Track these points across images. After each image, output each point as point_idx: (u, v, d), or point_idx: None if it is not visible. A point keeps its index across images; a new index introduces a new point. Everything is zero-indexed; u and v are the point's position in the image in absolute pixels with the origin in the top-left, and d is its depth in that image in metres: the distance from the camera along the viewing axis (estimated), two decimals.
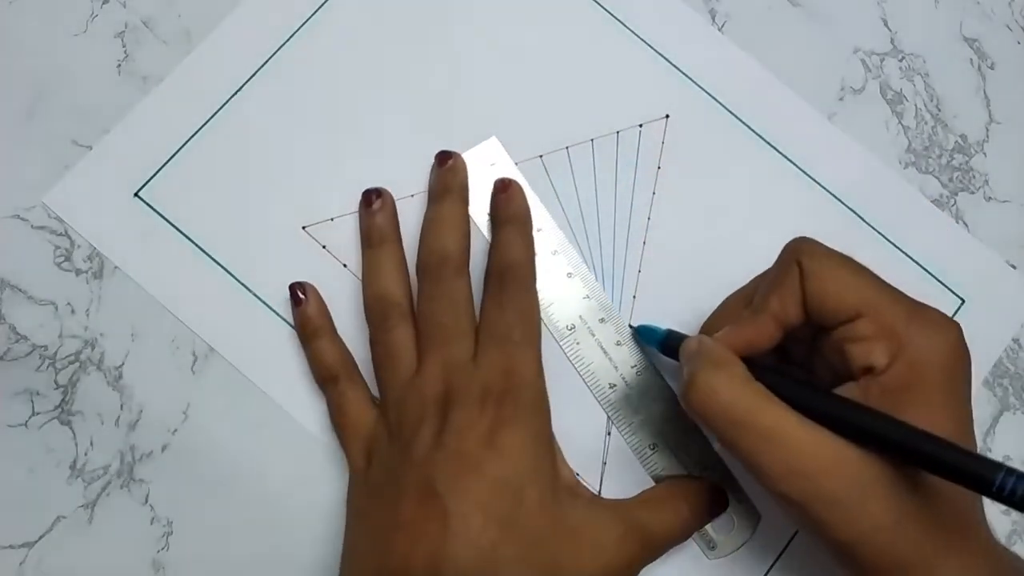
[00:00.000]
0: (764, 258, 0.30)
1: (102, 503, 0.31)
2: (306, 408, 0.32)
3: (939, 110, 0.38)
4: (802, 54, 0.37)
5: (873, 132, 0.37)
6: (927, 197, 0.37)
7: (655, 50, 0.37)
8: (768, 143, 0.36)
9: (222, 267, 0.33)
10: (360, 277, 0.33)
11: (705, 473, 0.32)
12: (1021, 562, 0.26)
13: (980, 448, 0.35)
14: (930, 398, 0.25)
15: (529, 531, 0.27)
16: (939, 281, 0.35)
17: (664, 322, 0.33)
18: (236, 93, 0.34)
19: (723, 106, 0.36)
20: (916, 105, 0.37)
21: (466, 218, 0.33)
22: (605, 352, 0.33)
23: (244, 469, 0.32)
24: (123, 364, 0.32)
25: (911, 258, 0.35)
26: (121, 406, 0.32)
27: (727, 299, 0.31)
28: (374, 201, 0.33)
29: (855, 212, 0.35)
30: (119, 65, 0.34)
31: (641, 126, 0.35)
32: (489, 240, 0.33)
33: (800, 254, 0.27)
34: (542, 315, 0.33)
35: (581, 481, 0.32)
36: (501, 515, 0.27)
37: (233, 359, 0.32)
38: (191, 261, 0.33)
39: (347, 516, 0.31)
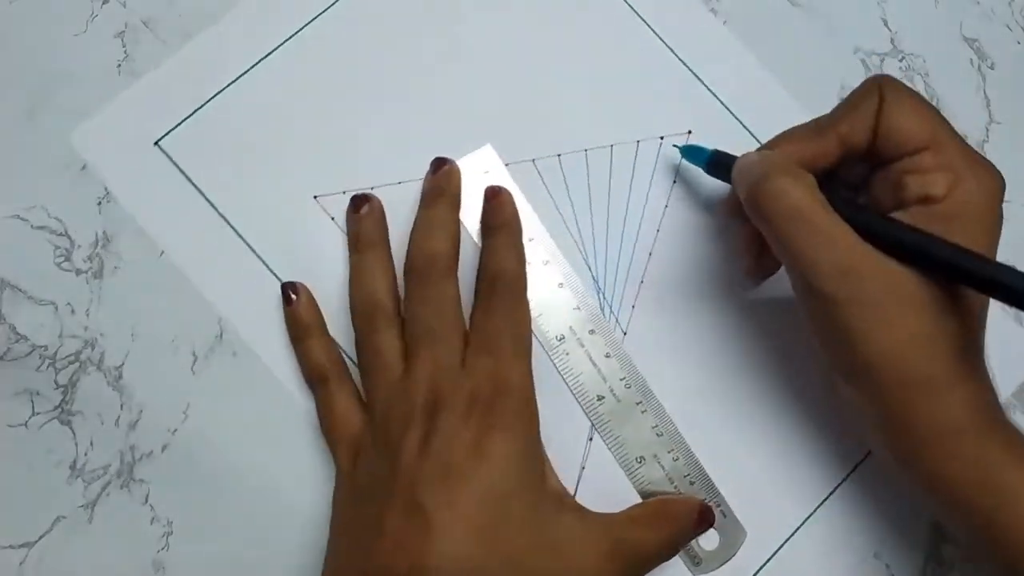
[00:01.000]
0: (773, 278, 0.32)
1: (102, 503, 0.31)
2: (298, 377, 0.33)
3: (939, 110, 0.37)
4: (802, 54, 0.37)
5: None
6: None
7: (682, 61, 0.36)
8: None
9: (231, 225, 0.33)
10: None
11: (692, 487, 0.32)
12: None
13: None
14: (974, 230, 0.27)
15: (513, 545, 0.27)
16: None
17: (661, 338, 0.33)
18: (264, 59, 0.35)
19: (745, 128, 0.36)
20: None
21: (456, 222, 0.33)
22: (594, 363, 0.33)
23: (244, 469, 0.32)
24: (123, 364, 0.32)
25: None
26: (121, 406, 0.32)
27: (788, 129, 0.32)
28: (362, 206, 0.33)
29: None
30: (119, 65, 0.34)
31: (662, 138, 0.35)
32: (478, 245, 0.33)
33: (884, 84, 0.29)
34: (532, 324, 0.33)
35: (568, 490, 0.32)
36: (485, 528, 0.27)
37: (232, 319, 0.33)
38: (201, 216, 0.33)
39: (332, 518, 0.31)
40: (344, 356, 0.33)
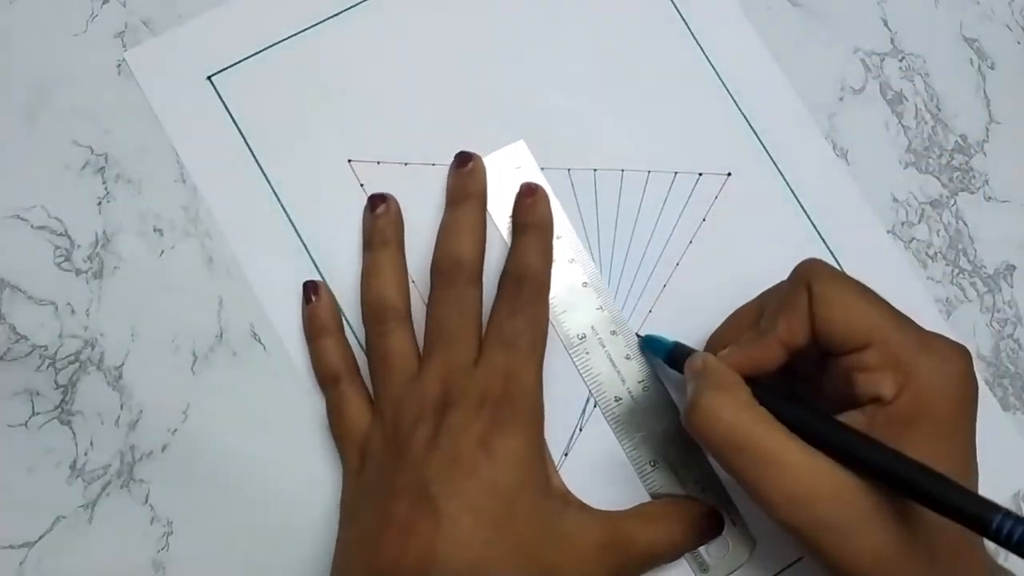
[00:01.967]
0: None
1: (102, 503, 0.31)
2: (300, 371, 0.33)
3: (939, 110, 0.38)
4: (802, 54, 0.37)
5: (873, 132, 0.37)
6: (927, 197, 0.37)
7: (734, 100, 0.36)
8: (821, 238, 0.35)
9: (263, 172, 0.34)
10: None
11: (704, 494, 0.32)
12: None
13: None
14: (935, 430, 0.25)
15: (520, 534, 0.27)
16: None
17: (675, 336, 0.33)
18: (329, 19, 0.35)
19: (786, 182, 0.36)
20: (916, 105, 0.37)
21: (483, 224, 0.33)
22: (614, 365, 0.33)
23: (244, 469, 0.32)
24: (123, 364, 0.32)
25: None
26: (121, 406, 0.32)
27: (734, 313, 0.31)
28: (379, 205, 0.33)
29: None
30: (119, 65, 0.34)
31: (700, 175, 0.35)
32: (508, 243, 0.33)
33: (811, 277, 0.27)
34: (554, 322, 0.33)
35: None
36: (493, 517, 0.27)
37: (247, 265, 0.33)
38: (237, 157, 0.34)
39: (340, 516, 0.31)
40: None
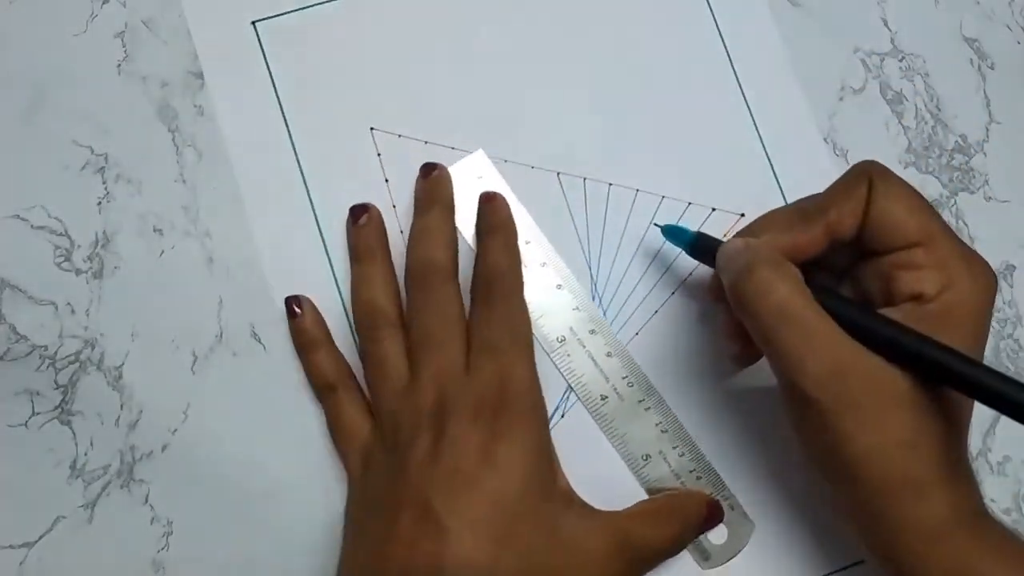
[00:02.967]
0: None
1: (102, 503, 0.31)
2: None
3: (939, 110, 0.38)
4: (802, 54, 0.37)
5: (873, 132, 0.37)
6: (927, 197, 0.37)
7: (762, 142, 0.36)
8: None
9: (287, 124, 0.34)
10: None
11: (699, 482, 0.32)
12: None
13: (980, 448, 0.35)
14: (964, 331, 0.26)
15: (526, 546, 0.27)
16: None
17: (665, 342, 0.33)
18: None
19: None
20: (916, 105, 0.37)
21: (453, 228, 0.33)
22: (596, 363, 0.33)
23: (244, 469, 0.32)
24: (123, 364, 0.32)
25: None
26: (121, 406, 0.32)
27: (769, 213, 0.31)
28: (361, 216, 0.33)
29: None
30: (119, 65, 0.34)
31: (713, 210, 0.35)
32: (474, 250, 0.33)
33: (873, 172, 0.28)
34: (532, 327, 0.33)
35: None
36: (498, 531, 0.27)
37: (257, 214, 0.34)
38: (264, 106, 0.34)
39: (344, 526, 0.31)
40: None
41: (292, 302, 0.32)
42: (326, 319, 0.33)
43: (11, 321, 0.32)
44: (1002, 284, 0.36)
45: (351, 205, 0.33)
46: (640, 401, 0.33)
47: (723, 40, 0.37)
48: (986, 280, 0.27)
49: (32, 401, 0.32)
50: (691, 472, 0.32)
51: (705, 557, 0.32)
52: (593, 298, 0.34)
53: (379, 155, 0.34)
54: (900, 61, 0.38)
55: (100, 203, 0.33)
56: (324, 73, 0.35)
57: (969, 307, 0.27)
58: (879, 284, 0.28)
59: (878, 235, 0.28)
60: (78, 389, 0.32)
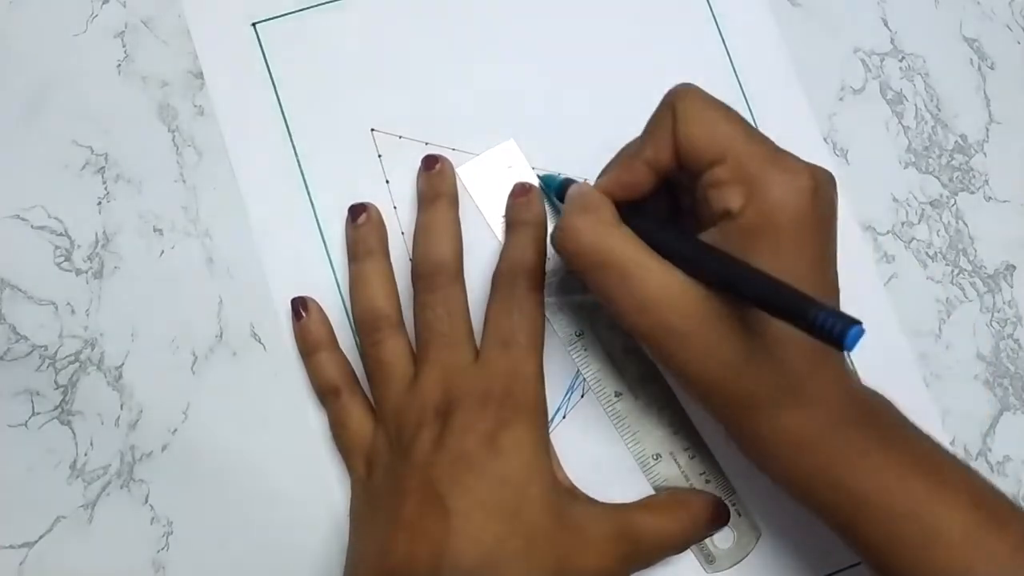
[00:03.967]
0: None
1: (102, 503, 0.31)
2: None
3: (939, 110, 0.38)
4: (802, 54, 0.37)
5: (873, 132, 0.37)
6: (927, 197, 0.37)
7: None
8: None
9: (287, 126, 0.34)
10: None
11: (707, 485, 0.32)
12: (880, 399, 0.27)
13: (980, 448, 0.35)
14: (780, 243, 0.25)
15: (531, 528, 0.27)
16: None
17: None
18: None
19: None
20: (916, 105, 0.37)
21: (457, 223, 0.33)
22: (613, 360, 0.33)
23: (244, 469, 0.32)
24: (123, 364, 0.32)
25: None
26: (121, 406, 0.32)
27: (622, 148, 0.31)
28: (360, 215, 0.33)
29: None
30: (119, 65, 0.34)
31: None
32: (501, 242, 0.33)
33: (675, 99, 0.28)
34: (550, 319, 0.33)
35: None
36: (503, 512, 0.27)
37: (259, 215, 0.34)
38: (265, 109, 0.34)
39: (350, 524, 0.31)
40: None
41: (298, 304, 0.32)
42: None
43: (11, 321, 0.32)
44: (1002, 284, 0.36)
45: (349, 205, 0.33)
46: (655, 400, 0.33)
47: (724, 40, 0.36)
48: (800, 181, 0.26)
49: (32, 401, 0.32)
50: (701, 474, 0.32)
51: (710, 560, 0.32)
52: None
53: (380, 156, 0.34)
54: (900, 61, 0.38)
55: (100, 203, 0.33)
56: (324, 74, 0.35)
57: (780, 214, 0.25)
58: (700, 206, 0.27)
59: (686, 160, 0.27)
60: (78, 389, 0.32)
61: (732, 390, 0.26)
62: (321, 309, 0.33)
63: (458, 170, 0.34)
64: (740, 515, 0.32)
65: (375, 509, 0.29)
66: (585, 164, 0.35)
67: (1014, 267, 0.37)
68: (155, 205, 0.34)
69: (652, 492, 0.32)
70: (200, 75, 0.34)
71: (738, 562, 0.32)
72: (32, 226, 0.33)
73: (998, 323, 0.36)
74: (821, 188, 0.26)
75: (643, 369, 0.33)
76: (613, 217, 0.27)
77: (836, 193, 0.27)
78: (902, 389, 0.28)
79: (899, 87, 0.38)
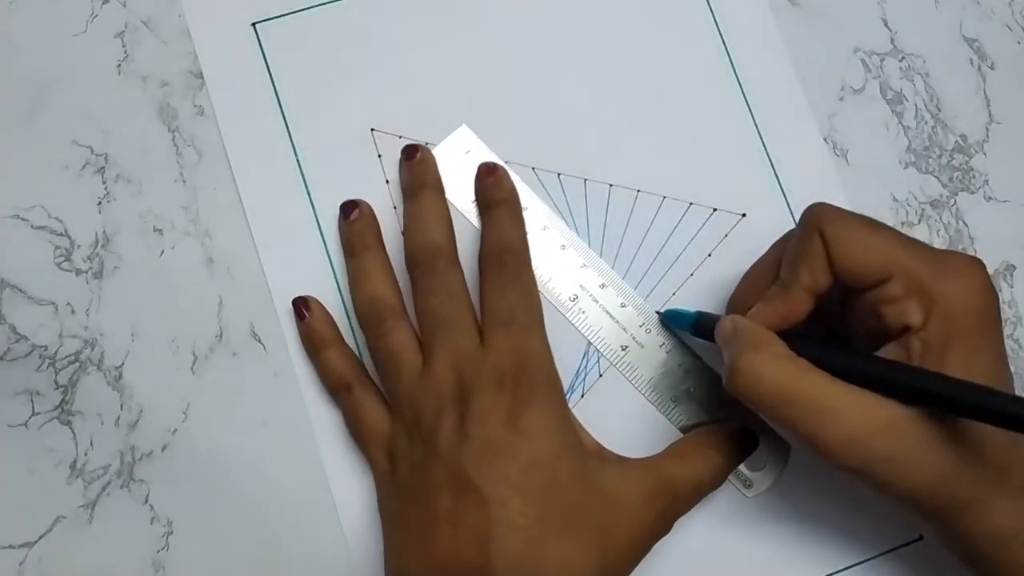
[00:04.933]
0: None
1: (102, 503, 0.31)
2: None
3: (939, 110, 0.38)
4: (802, 54, 0.37)
5: (873, 132, 0.37)
6: (927, 197, 0.37)
7: (763, 141, 0.36)
8: None
9: (287, 125, 0.34)
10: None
11: (731, 416, 0.32)
12: None
13: None
14: (968, 346, 0.26)
15: (568, 503, 0.28)
16: None
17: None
18: None
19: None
20: (916, 105, 0.37)
21: (447, 208, 0.33)
22: (611, 316, 0.33)
23: (244, 469, 0.32)
24: (123, 364, 0.32)
25: None
26: (121, 406, 0.32)
27: (749, 271, 0.31)
28: (351, 212, 0.33)
29: None
30: (119, 65, 0.34)
31: (715, 210, 0.35)
32: (478, 227, 0.33)
33: (820, 221, 0.28)
34: (544, 290, 0.33)
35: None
36: (538, 493, 0.27)
37: (257, 230, 0.34)
38: (265, 108, 0.34)
39: (382, 522, 0.31)
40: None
41: (300, 304, 0.32)
42: None
43: (11, 321, 0.32)
44: (1002, 284, 0.36)
45: (341, 203, 0.33)
46: (661, 345, 0.33)
47: (723, 40, 0.36)
48: (973, 280, 0.26)
49: (32, 401, 0.32)
50: (720, 407, 0.33)
51: (747, 485, 0.33)
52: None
53: (379, 156, 0.34)
54: (900, 61, 0.38)
55: (100, 203, 0.33)
56: (324, 74, 0.35)
57: (963, 317, 0.26)
58: (874, 321, 0.27)
59: (849, 279, 0.27)
60: (78, 389, 0.32)
61: (942, 496, 0.25)
62: (323, 307, 0.33)
63: None
64: (768, 436, 0.33)
65: (408, 504, 0.29)
66: (587, 163, 0.35)
67: (1014, 267, 0.37)
68: (155, 205, 0.34)
69: (677, 434, 0.33)
70: (200, 75, 0.34)
71: (775, 482, 0.33)
72: (32, 226, 0.33)
73: None
74: (990, 283, 0.26)
75: (642, 319, 0.33)
76: (787, 350, 0.27)
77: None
78: None
79: (899, 87, 0.38)
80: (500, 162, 0.34)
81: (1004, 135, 0.38)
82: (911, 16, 0.38)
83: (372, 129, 0.34)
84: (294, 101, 0.34)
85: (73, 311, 0.33)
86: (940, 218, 0.37)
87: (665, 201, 0.35)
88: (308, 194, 0.34)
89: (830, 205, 0.28)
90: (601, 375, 0.33)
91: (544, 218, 0.34)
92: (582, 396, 0.33)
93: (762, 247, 0.31)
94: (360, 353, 0.33)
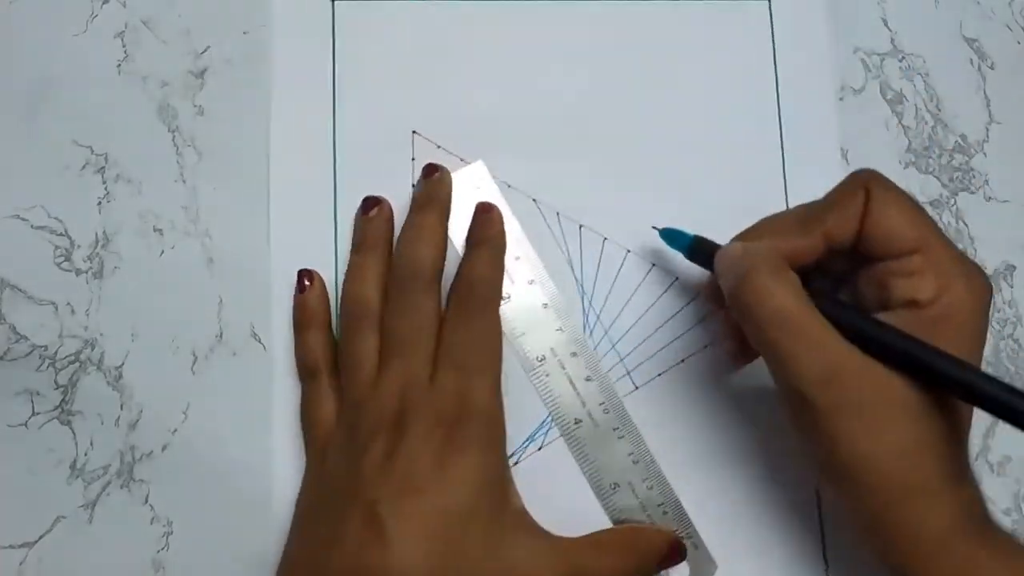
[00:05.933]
0: None
1: (102, 503, 0.31)
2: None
3: (939, 110, 0.38)
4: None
5: (873, 132, 0.37)
6: (927, 197, 0.37)
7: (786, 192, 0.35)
8: None
9: (334, 105, 0.34)
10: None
11: (665, 517, 0.32)
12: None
13: (980, 448, 0.35)
14: (960, 337, 0.26)
15: (470, 563, 0.27)
16: None
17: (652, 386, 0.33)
18: None
19: None
20: (916, 105, 0.37)
21: (444, 230, 0.32)
22: (574, 386, 0.33)
23: (244, 469, 0.32)
24: (123, 364, 0.32)
25: None
26: (121, 406, 0.32)
27: (770, 216, 0.31)
28: (372, 208, 0.33)
29: None
30: (119, 65, 0.34)
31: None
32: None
33: (870, 181, 0.28)
34: (513, 344, 0.33)
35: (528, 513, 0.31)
36: (441, 543, 0.27)
37: (278, 184, 0.34)
38: (317, 80, 0.34)
39: (294, 516, 0.31)
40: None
41: (304, 275, 0.33)
42: None
43: (11, 321, 0.32)
44: (1002, 284, 0.36)
45: (364, 197, 0.33)
46: (615, 429, 0.33)
47: (781, 126, 0.36)
48: (981, 286, 0.27)
49: (32, 401, 0.32)
50: (658, 506, 0.32)
51: None
52: (584, 328, 0.34)
53: (413, 159, 0.34)
54: (900, 61, 0.38)
55: (100, 203, 0.33)
56: (385, 67, 0.35)
57: (965, 312, 0.27)
58: (876, 290, 0.28)
59: (875, 243, 0.28)
60: (78, 389, 0.32)
61: (896, 474, 0.26)
62: (324, 287, 0.33)
63: None
64: (697, 548, 0.32)
65: (318, 511, 0.29)
66: (612, 221, 0.35)
67: (1014, 267, 0.37)
68: (155, 205, 0.34)
69: (608, 522, 0.32)
70: (200, 75, 0.34)
71: None
72: (32, 226, 0.33)
73: (998, 323, 0.36)
74: (991, 293, 0.28)
75: (603, 397, 0.33)
76: (800, 285, 0.27)
77: None
78: None
79: (899, 87, 0.38)
80: (503, 205, 0.34)
81: (1004, 135, 0.38)
82: (911, 16, 0.38)
83: (414, 131, 0.34)
84: (348, 86, 0.34)
85: (73, 311, 0.33)
86: (940, 218, 0.37)
87: (676, 283, 0.34)
88: (334, 179, 0.34)
89: (879, 173, 0.29)
90: (541, 448, 0.33)
91: (532, 273, 0.33)
92: (539, 449, 0.33)
93: None
94: None
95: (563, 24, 0.36)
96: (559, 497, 0.32)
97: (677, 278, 0.34)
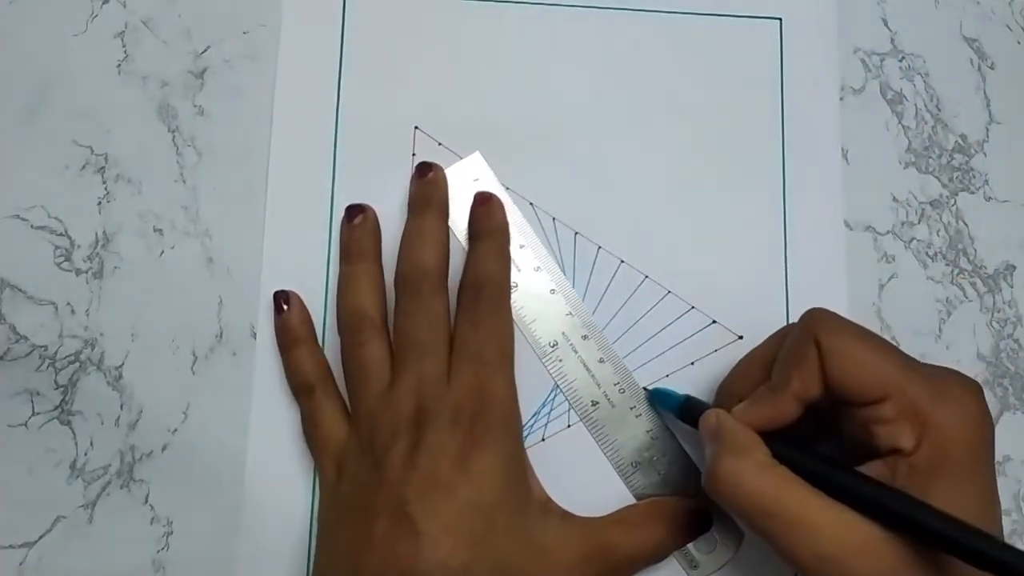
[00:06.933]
0: None
1: (102, 503, 0.31)
2: None
3: (939, 110, 0.38)
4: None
5: (873, 132, 0.37)
6: (927, 197, 0.37)
7: (787, 273, 0.35)
8: None
9: (338, 91, 0.34)
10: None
11: (688, 491, 0.32)
12: None
13: None
14: (958, 476, 0.25)
15: (499, 553, 0.27)
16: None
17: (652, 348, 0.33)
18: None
19: None
20: (916, 105, 0.37)
21: (446, 232, 0.32)
22: (588, 369, 0.33)
23: (244, 469, 0.32)
24: (123, 364, 0.32)
25: None
26: (121, 406, 0.32)
27: (742, 361, 0.31)
28: (356, 216, 0.33)
29: None
30: (119, 65, 0.34)
31: (713, 322, 0.34)
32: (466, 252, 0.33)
33: (818, 330, 0.27)
34: (524, 332, 0.33)
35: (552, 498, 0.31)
36: (472, 537, 0.27)
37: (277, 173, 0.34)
38: (325, 67, 0.35)
39: (318, 531, 0.31)
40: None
41: (280, 298, 0.32)
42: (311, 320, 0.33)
43: (11, 321, 0.32)
44: (1002, 284, 0.36)
45: (347, 206, 0.33)
46: (632, 408, 0.33)
47: (785, 166, 0.36)
48: (969, 407, 0.26)
49: (32, 401, 0.32)
50: (681, 481, 0.32)
51: (693, 565, 0.32)
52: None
53: (413, 155, 0.34)
54: (900, 61, 0.38)
55: (100, 203, 0.33)
56: (393, 59, 0.35)
57: (959, 452, 0.25)
58: (863, 435, 0.27)
59: (841, 393, 0.27)
60: (78, 389, 0.32)
61: None
62: (303, 304, 0.33)
63: None
64: (722, 519, 0.32)
65: (344, 520, 0.29)
66: (607, 230, 0.34)
67: (1014, 267, 0.37)
68: (155, 205, 0.34)
69: (631, 499, 0.32)
70: (200, 75, 0.34)
71: (721, 567, 0.32)
72: (32, 226, 0.33)
73: (998, 323, 0.36)
74: (987, 412, 0.26)
75: (618, 377, 0.33)
76: (769, 458, 0.26)
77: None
78: None
79: (899, 87, 0.38)
80: (503, 194, 0.34)
81: (1004, 135, 0.38)
82: (911, 16, 0.38)
83: (416, 127, 0.34)
84: (354, 75, 0.35)
85: (73, 311, 0.33)
86: (940, 218, 0.37)
87: (668, 296, 0.34)
88: (333, 168, 0.34)
89: (830, 312, 0.28)
90: (570, 425, 0.33)
91: (538, 260, 0.34)
92: (543, 440, 0.33)
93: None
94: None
95: (571, 30, 0.36)
96: (558, 490, 0.32)
97: (669, 291, 0.34)
